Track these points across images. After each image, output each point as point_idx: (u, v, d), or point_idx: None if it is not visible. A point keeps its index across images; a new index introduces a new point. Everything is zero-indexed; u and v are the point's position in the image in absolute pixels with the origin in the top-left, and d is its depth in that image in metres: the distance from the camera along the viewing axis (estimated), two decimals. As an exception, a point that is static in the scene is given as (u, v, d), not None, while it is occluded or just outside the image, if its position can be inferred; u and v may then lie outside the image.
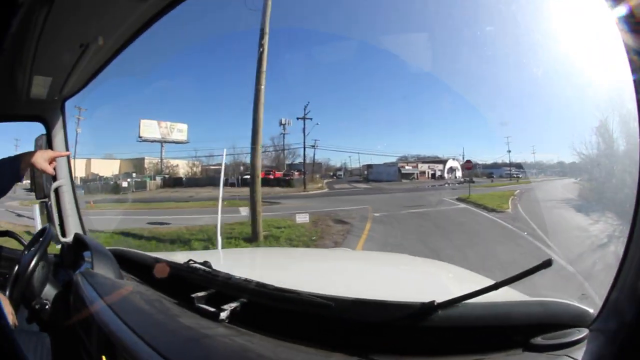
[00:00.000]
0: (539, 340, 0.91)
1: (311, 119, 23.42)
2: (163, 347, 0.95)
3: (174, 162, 25.64)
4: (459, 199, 15.59)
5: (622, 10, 0.81)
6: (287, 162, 27.01)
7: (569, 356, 0.83)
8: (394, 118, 31.11)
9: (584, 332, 0.89)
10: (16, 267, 1.78)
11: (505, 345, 0.93)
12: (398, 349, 0.97)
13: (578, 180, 13.98)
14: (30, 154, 1.58)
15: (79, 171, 21.17)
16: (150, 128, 23.20)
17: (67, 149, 2.43)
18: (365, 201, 16.12)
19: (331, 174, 30.24)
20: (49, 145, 2.42)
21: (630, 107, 0.86)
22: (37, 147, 2.48)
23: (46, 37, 1.44)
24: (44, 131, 2.46)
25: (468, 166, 20.16)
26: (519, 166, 25.68)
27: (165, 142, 23.86)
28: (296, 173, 26.08)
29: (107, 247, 1.95)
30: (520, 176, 24.49)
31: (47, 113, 2.34)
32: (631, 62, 0.82)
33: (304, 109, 23.55)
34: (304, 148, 24.94)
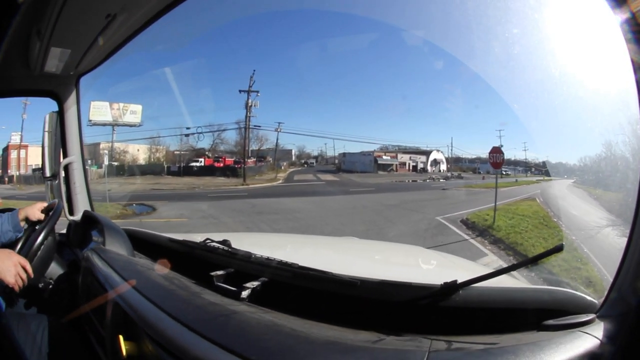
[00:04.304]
0: (550, 322, 0.95)
1: (257, 92, 20.40)
2: (193, 323, 0.94)
3: (136, 146, 23.48)
4: (473, 227, 8.42)
5: (625, 13, 0.84)
6: (254, 147, 24.03)
7: (583, 332, 0.86)
8: (379, 103, 28.76)
9: (591, 316, 0.93)
10: (20, 243, 1.74)
11: (519, 326, 0.97)
12: (422, 328, 1.00)
13: (575, 181, 12.45)
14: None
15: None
16: (101, 110, 21.04)
17: (80, 127, 2.41)
18: (289, 215, 10.63)
19: (302, 161, 28.20)
20: (61, 122, 2.39)
21: (633, 109, 0.88)
22: (47, 124, 2.44)
23: (72, 4, 1.41)
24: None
25: (496, 161, 10.98)
26: (507, 162, 22.59)
27: (116, 125, 21.64)
28: (251, 160, 23.11)
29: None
30: (509, 173, 22.38)
31: (60, 89, 2.31)
32: (633, 63, 0.85)
33: (250, 80, 20.43)
34: (247, 129, 21.76)
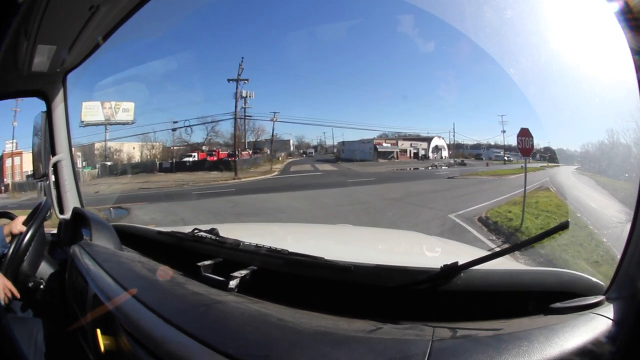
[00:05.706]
0: (558, 305, 0.91)
1: (247, 80, 19.91)
2: (170, 314, 0.90)
3: (131, 144, 22.99)
4: (496, 229, 7.08)
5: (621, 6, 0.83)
6: (251, 139, 23.66)
7: (596, 313, 0.83)
8: (377, 89, 27.96)
9: (599, 298, 0.90)
10: (12, 245, 1.73)
11: (526, 310, 0.94)
12: (421, 314, 0.95)
13: (578, 168, 12.16)
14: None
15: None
16: (92, 110, 20.79)
17: (68, 125, 2.38)
18: (271, 217, 9.09)
19: (301, 151, 27.89)
20: (49, 121, 2.37)
21: (634, 104, 0.87)
22: (37, 125, 2.42)
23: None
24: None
25: (525, 146, 8.40)
26: (508, 148, 22.07)
27: (109, 124, 21.37)
28: (247, 152, 22.53)
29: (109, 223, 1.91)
30: (512, 159, 21.42)
31: (48, 87, 2.28)
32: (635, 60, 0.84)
33: (239, 67, 20.01)
34: (235, 119, 21.04)
